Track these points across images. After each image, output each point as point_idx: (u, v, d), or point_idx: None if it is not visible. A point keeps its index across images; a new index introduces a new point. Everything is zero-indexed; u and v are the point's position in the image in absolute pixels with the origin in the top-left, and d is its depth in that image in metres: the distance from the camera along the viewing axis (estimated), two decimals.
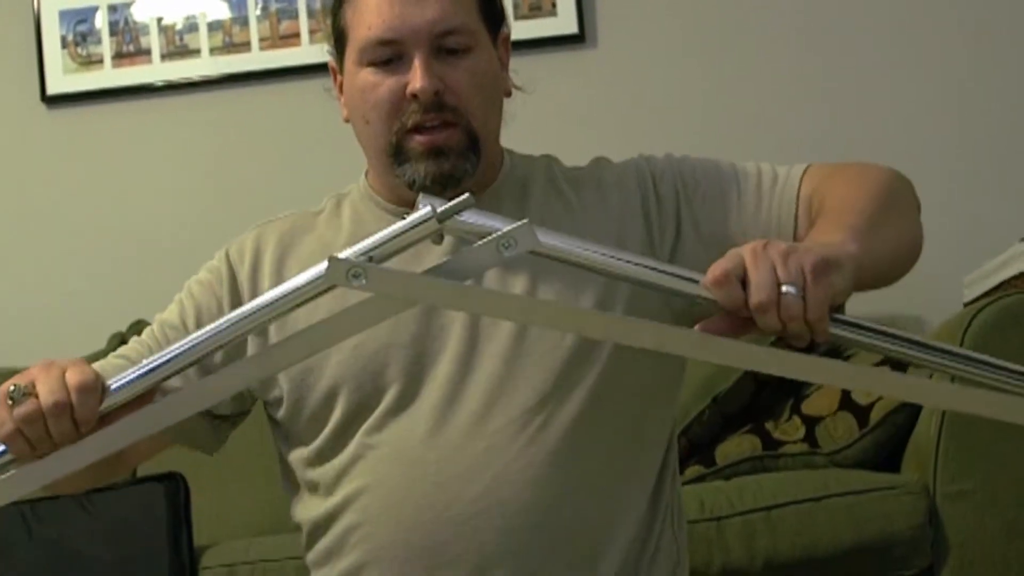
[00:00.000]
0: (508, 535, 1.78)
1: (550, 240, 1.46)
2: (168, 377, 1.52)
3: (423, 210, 1.33)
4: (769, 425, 2.98)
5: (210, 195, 3.57)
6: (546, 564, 1.80)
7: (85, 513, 2.58)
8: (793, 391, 3.02)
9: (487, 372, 1.81)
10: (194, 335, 1.47)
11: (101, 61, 3.81)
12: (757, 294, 1.38)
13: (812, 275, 1.38)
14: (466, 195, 1.38)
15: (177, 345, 1.48)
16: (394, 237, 1.34)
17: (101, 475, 1.86)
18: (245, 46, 3.77)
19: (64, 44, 3.82)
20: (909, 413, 2.73)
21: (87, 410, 1.51)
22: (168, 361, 1.48)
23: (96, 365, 1.70)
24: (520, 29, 3.66)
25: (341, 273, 1.16)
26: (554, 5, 3.76)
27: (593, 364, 1.82)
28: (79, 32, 3.81)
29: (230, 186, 3.58)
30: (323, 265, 1.29)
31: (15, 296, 3.65)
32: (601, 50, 3.82)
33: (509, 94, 1.94)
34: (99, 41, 3.82)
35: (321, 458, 1.89)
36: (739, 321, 1.41)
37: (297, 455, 1.92)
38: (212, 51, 3.78)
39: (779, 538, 2.50)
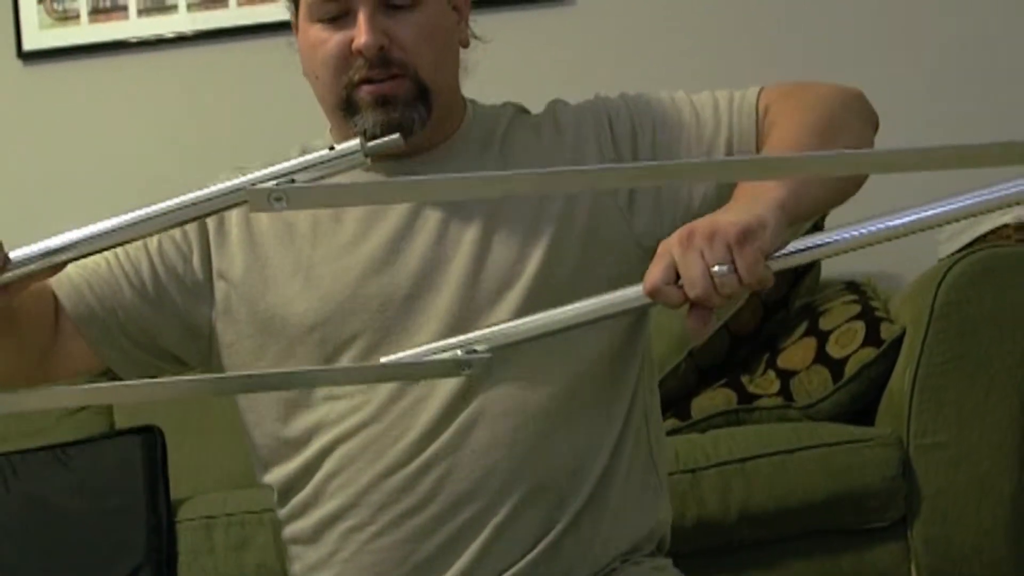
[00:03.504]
0: (479, 472, 1.80)
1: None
2: (68, 261, 1.55)
3: (352, 143, 1.37)
4: (744, 379, 3.00)
5: (186, 150, 3.57)
6: (515, 498, 1.81)
7: (61, 466, 2.58)
8: (768, 346, 3.04)
9: (451, 315, 1.83)
10: (102, 225, 1.49)
11: (77, 17, 3.79)
12: (692, 290, 1.48)
13: (738, 247, 1.47)
14: (396, 135, 1.44)
15: (85, 231, 1.49)
16: (319, 163, 1.39)
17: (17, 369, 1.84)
18: (222, 2, 3.77)
19: (40, 0, 3.79)
20: (883, 367, 2.74)
21: None
22: (72, 244, 1.50)
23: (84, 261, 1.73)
24: None
25: (263, 199, 1.15)
26: None
27: (557, 299, 1.75)
28: None
29: (205, 141, 3.58)
30: (236, 180, 1.41)
31: None
32: (580, 7, 3.80)
33: (466, 45, 1.95)
34: None
35: (290, 412, 1.90)
36: (700, 312, 1.52)
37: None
38: (189, 7, 3.77)
39: (753, 490, 2.51)
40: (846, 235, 1.50)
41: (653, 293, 1.50)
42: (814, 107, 1.83)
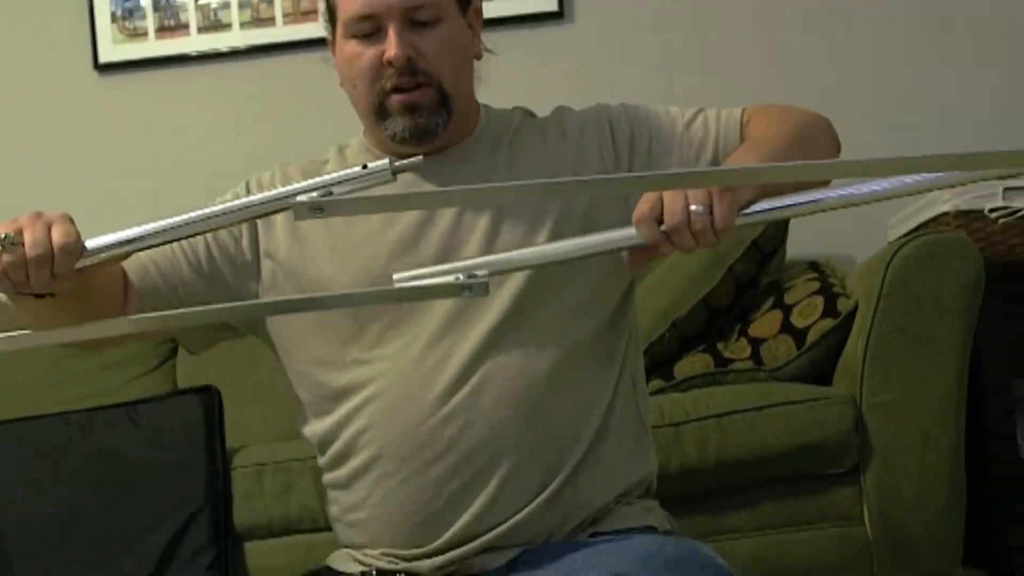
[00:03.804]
0: (491, 426, 1.81)
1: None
2: (139, 250, 1.57)
3: (382, 162, 1.38)
4: (720, 346, 3.00)
5: (237, 149, 3.58)
6: (518, 454, 1.82)
7: (131, 422, 2.59)
8: (741, 318, 3.05)
9: None
10: (168, 221, 1.51)
11: (146, 34, 3.82)
12: (669, 220, 1.54)
13: (718, 195, 1.53)
14: (419, 157, 1.44)
15: (153, 225, 1.51)
16: (353, 179, 1.38)
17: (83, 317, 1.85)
18: (270, 21, 3.78)
19: (113, 19, 3.82)
20: (839, 335, 2.75)
21: (65, 266, 1.52)
22: (141, 237, 1.52)
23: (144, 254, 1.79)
24: (504, 6, 3.68)
25: (305, 209, 1.23)
26: None
27: (554, 281, 1.85)
28: (126, 8, 3.81)
29: (254, 142, 3.60)
30: (283, 189, 1.43)
31: None
32: (579, 26, 3.77)
33: (479, 57, 1.97)
34: (144, 16, 3.82)
35: (325, 375, 1.92)
36: (646, 252, 1.62)
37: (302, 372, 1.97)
38: (242, 25, 3.79)
39: (727, 441, 2.52)
40: (802, 200, 1.56)
41: (638, 221, 1.56)
42: (788, 122, 1.86)
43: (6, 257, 1.51)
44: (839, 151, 1.92)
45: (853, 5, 3.77)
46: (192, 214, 1.50)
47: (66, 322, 1.71)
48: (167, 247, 1.90)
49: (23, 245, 1.51)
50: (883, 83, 3.74)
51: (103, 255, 1.55)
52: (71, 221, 1.55)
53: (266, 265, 1.95)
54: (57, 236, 1.52)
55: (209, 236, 1.93)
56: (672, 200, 1.56)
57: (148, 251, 1.86)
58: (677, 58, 3.78)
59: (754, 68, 3.77)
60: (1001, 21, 3.72)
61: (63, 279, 1.55)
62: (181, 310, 1.85)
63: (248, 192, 1.96)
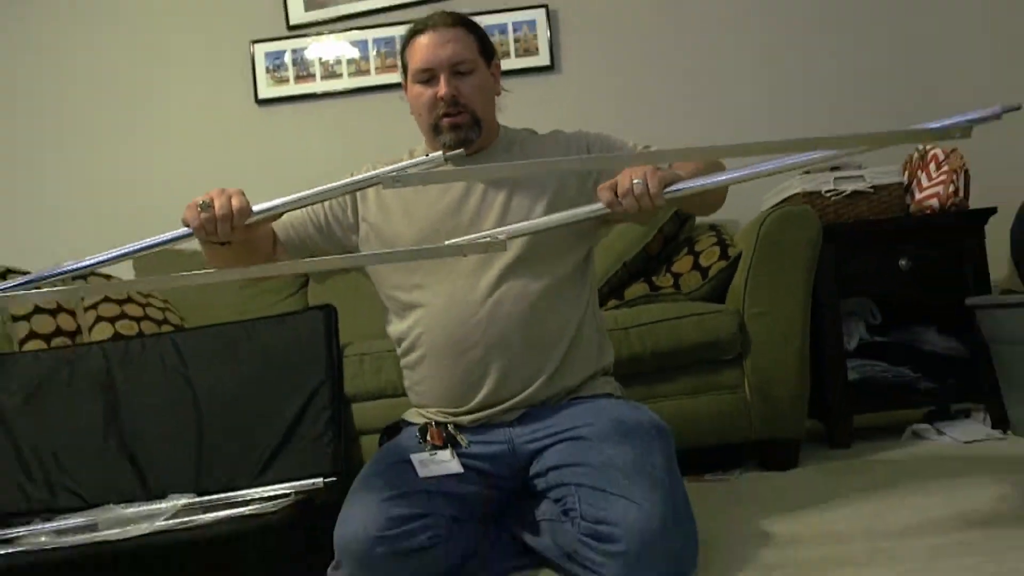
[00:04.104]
0: (505, 334, 1.83)
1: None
2: (284, 212, 1.62)
3: (437, 154, 1.44)
4: (654, 278, 3.00)
5: (345, 157, 3.50)
6: (524, 350, 1.84)
7: (278, 325, 2.57)
8: (667, 260, 3.04)
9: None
10: (302, 193, 1.54)
11: (288, 80, 3.77)
12: (621, 186, 1.57)
13: (651, 174, 1.56)
14: (461, 150, 1.56)
15: (291, 197, 1.54)
16: (420, 163, 1.44)
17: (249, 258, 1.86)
18: (367, 71, 3.75)
19: (267, 70, 3.78)
20: (730, 271, 2.74)
21: (239, 221, 1.57)
22: (284, 203, 1.56)
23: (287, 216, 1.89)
24: (517, 63, 3.65)
25: (390, 182, 1.36)
26: (537, 48, 3.67)
27: (546, 239, 1.85)
28: (275, 63, 3.78)
29: (356, 151, 3.52)
30: (374, 172, 1.50)
31: None
32: (565, 75, 3.71)
33: (499, 94, 1.99)
34: (287, 68, 3.77)
35: (399, 294, 1.93)
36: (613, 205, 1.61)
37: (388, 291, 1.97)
38: (349, 74, 3.75)
39: (659, 339, 2.51)
40: (700, 183, 1.60)
41: (601, 190, 1.60)
42: (701, 166, 1.82)
43: (204, 215, 1.56)
44: (726, 190, 1.90)
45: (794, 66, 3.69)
46: (318, 188, 1.53)
47: (238, 264, 1.75)
48: (298, 215, 1.95)
49: (214, 208, 1.56)
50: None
51: (262, 215, 1.59)
52: (243, 193, 1.59)
53: (362, 226, 1.97)
54: (235, 202, 1.57)
55: (326, 206, 1.96)
56: (623, 177, 1.58)
57: (288, 217, 1.92)
58: (641, 101, 3.66)
59: (708, 109, 3.66)
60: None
61: (238, 231, 1.59)
62: (313, 259, 1.92)
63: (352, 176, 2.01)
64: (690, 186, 1.60)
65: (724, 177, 1.58)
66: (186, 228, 1.59)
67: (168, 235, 1.59)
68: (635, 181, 1.56)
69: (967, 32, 3.60)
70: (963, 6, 3.61)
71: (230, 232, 1.58)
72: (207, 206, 1.56)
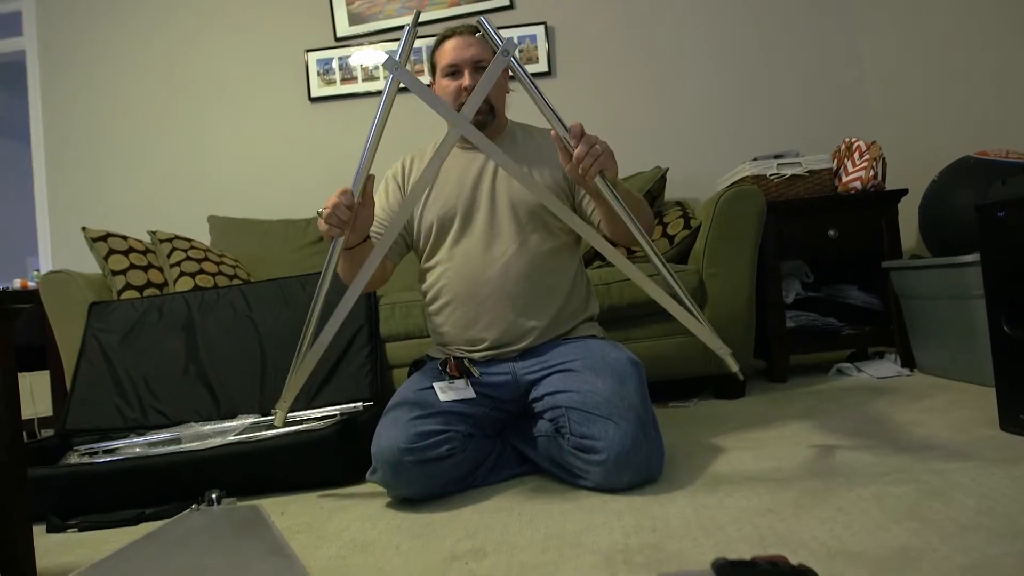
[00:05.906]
0: (511, 288, 1.82)
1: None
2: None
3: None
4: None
5: (385, 147, 3.48)
6: (526, 301, 1.82)
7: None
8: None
9: (500, 213, 1.85)
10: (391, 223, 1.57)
11: (335, 81, 3.72)
12: (579, 152, 1.52)
13: (609, 157, 1.52)
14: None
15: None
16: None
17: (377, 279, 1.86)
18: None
19: (318, 73, 3.73)
20: (692, 239, 2.70)
21: (349, 200, 1.59)
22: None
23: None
24: None
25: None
26: (538, 58, 3.61)
27: (546, 213, 1.83)
28: (325, 67, 3.72)
29: (393, 142, 3.49)
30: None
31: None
32: (560, 80, 3.64)
33: (508, 92, 1.94)
34: (334, 72, 3.72)
35: (429, 257, 1.91)
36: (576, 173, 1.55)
37: (420, 254, 1.94)
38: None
39: (635, 292, 2.48)
40: (619, 209, 1.59)
41: (565, 162, 1.55)
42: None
43: (338, 207, 1.59)
44: (652, 221, 1.89)
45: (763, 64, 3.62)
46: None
47: (367, 278, 1.62)
48: (379, 227, 1.87)
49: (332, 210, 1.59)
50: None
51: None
52: (351, 192, 1.60)
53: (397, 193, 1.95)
54: (347, 199, 1.60)
55: (383, 204, 1.92)
56: (581, 143, 1.53)
57: (378, 240, 1.71)
58: (623, 101, 3.58)
59: (675, 107, 3.57)
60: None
61: (359, 237, 1.65)
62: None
63: (403, 165, 1.99)
64: (609, 194, 1.55)
65: (624, 227, 1.61)
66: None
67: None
68: (596, 147, 1.52)
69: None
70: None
71: (350, 234, 1.62)
72: (347, 206, 1.59)
